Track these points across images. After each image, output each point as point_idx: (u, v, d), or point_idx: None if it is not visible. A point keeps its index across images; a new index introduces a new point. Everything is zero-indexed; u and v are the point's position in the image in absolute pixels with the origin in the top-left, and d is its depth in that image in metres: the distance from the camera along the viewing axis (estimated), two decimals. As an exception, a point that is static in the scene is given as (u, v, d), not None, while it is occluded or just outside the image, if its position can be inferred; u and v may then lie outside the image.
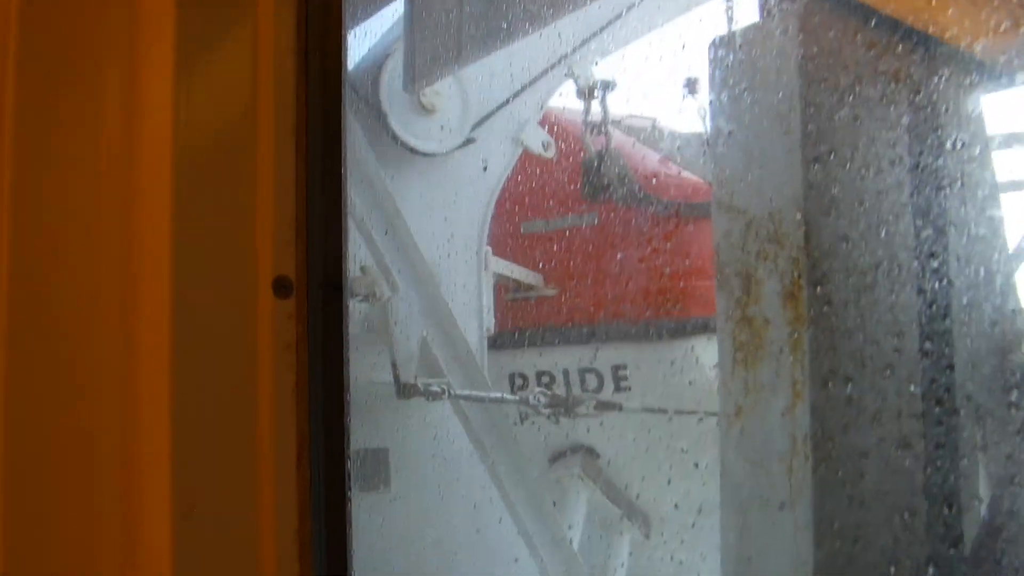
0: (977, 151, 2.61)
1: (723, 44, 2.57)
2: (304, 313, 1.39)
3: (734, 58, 2.56)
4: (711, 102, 2.64)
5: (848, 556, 2.11)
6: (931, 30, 2.58)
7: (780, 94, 2.46)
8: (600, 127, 5.53)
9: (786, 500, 2.18)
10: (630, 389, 5.14)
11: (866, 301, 2.18)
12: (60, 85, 1.41)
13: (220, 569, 1.37)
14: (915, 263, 2.22)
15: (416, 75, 4.64)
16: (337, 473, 1.39)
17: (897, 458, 2.09)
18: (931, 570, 2.08)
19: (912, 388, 2.14)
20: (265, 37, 1.41)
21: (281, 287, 1.38)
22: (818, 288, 2.21)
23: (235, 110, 1.44)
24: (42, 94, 1.40)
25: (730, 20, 4.57)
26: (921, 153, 2.40)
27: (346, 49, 1.45)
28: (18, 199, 1.37)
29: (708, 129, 5.55)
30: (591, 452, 5.21)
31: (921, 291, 2.19)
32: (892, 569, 2.07)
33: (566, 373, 5.29)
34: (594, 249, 5.41)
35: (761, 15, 2.64)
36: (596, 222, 5.45)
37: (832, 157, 2.41)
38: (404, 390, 4.37)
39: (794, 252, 2.29)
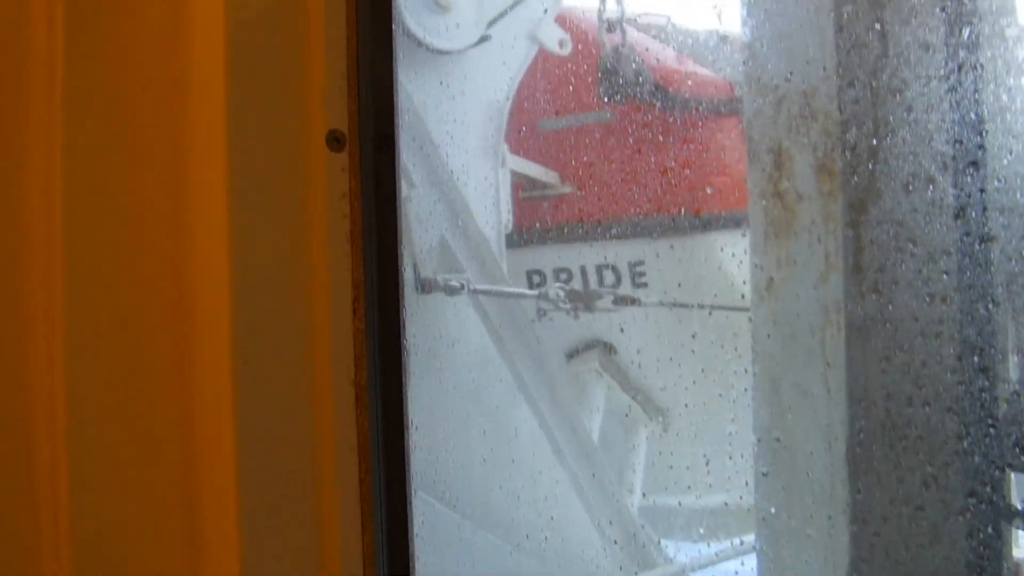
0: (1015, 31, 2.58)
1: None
2: (357, 164, 1.40)
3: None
4: (740, -21, 2.60)
5: (882, 427, 2.14)
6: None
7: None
8: (616, 24, 5.47)
9: (819, 372, 2.21)
10: (647, 285, 5.17)
11: (900, 171, 2.18)
12: None
13: (278, 413, 1.40)
14: (952, 133, 2.21)
15: (432, -29, 4.58)
16: (394, 320, 1.41)
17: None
18: (967, 439, 2.11)
19: (947, 256, 2.15)
20: None
21: (334, 140, 1.39)
22: (851, 156, 2.21)
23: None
24: None
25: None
26: (957, 26, 2.37)
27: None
28: (71, 63, 1.37)
29: (720, 24, 5.51)
30: (609, 347, 5.27)
31: (956, 161, 2.19)
32: (928, 437, 2.11)
33: (583, 270, 5.32)
34: (611, 146, 5.40)
35: None
36: (613, 119, 5.43)
37: (864, 29, 2.38)
38: (424, 285, 4.40)
39: (827, 125, 2.28)
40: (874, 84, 2.06)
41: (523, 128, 5.41)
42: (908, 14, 2.09)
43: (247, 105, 1.38)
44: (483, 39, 4.93)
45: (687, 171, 5.30)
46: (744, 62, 2.62)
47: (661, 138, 5.43)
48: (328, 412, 1.38)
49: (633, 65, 5.42)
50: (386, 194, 1.43)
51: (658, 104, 5.46)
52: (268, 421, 1.37)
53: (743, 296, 4.69)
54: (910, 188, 2.07)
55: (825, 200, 2.32)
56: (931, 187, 2.05)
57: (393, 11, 1.43)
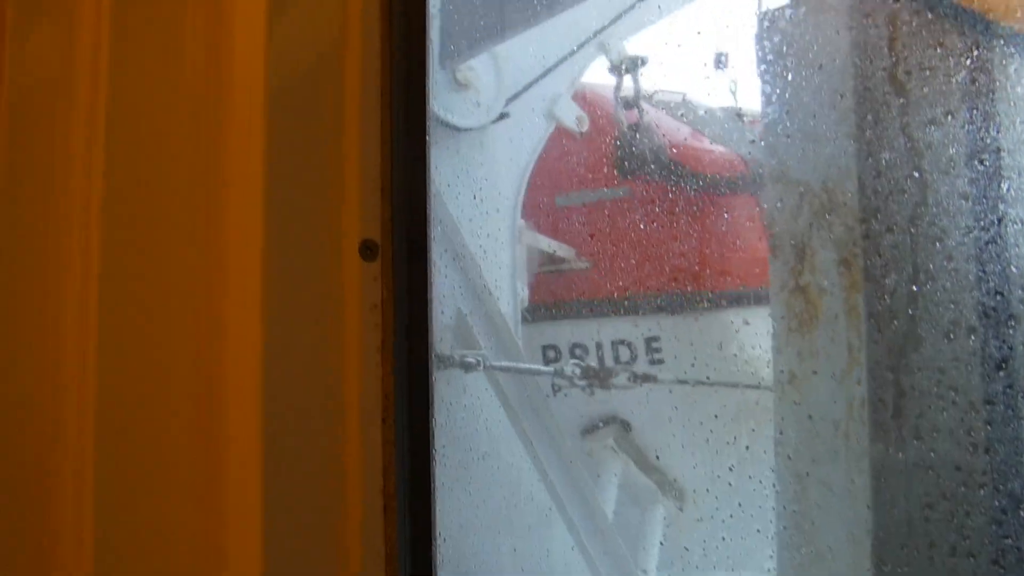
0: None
1: (774, 16, 2.57)
2: (390, 274, 1.41)
3: (785, 30, 2.56)
4: (761, 75, 2.64)
5: (908, 522, 2.13)
6: (986, 12, 2.58)
7: (832, 65, 2.47)
8: (632, 101, 5.53)
9: (842, 466, 2.20)
10: (663, 361, 5.16)
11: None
12: (148, 29, 1.44)
13: (306, 527, 1.40)
14: (972, 227, 2.22)
15: (452, 51, 4.67)
16: (422, 431, 1.42)
17: (957, 422, 2.10)
18: (994, 537, 2.09)
19: (972, 350, 2.15)
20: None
21: (367, 249, 1.41)
22: (875, 254, 2.22)
23: (320, 75, 1.46)
24: (131, 40, 1.43)
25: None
26: (975, 122, 2.40)
27: (429, 10, 1.46)
28: (110, 153, 1.40)
29: (736, 102, 5.56)
30: (624, 424, 5.24)
31: (979, 254, 2.20)
32: (954, 537, 2.09)
33: (599, 345, 5.32)
34: (627, 222, 5.42)
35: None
36: (629, 195, 5.46)
37: (884, 126, 2.41)
38: (440, 361, 4.40)
39: (849, 220, 2.30)
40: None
41: (540, 203, 5.45)
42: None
43: (282, 213, 1.40)
44: (502, 116, 4.99)
45: (702, 247, 5.32)
46: (767, 157, 2.65)
47: (676, 214, 5.46)
48: (356, 522, 1.38)
49: (649, 142, 5.47)
50: (418, 303, 1.44)
51: (673, 180, 5.50)
52: (296, 532, 1.36)
53: (757, 373, 4.69)
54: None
55: (847, 294, 2.33)
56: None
57: (428, 121, 1.46)
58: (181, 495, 1.38)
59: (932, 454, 2.07)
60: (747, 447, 4.14)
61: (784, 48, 2.53)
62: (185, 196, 1.40)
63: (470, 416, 4.51)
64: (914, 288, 2.13)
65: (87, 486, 1.34)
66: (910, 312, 2.14)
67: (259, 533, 1.32)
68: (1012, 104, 2.38)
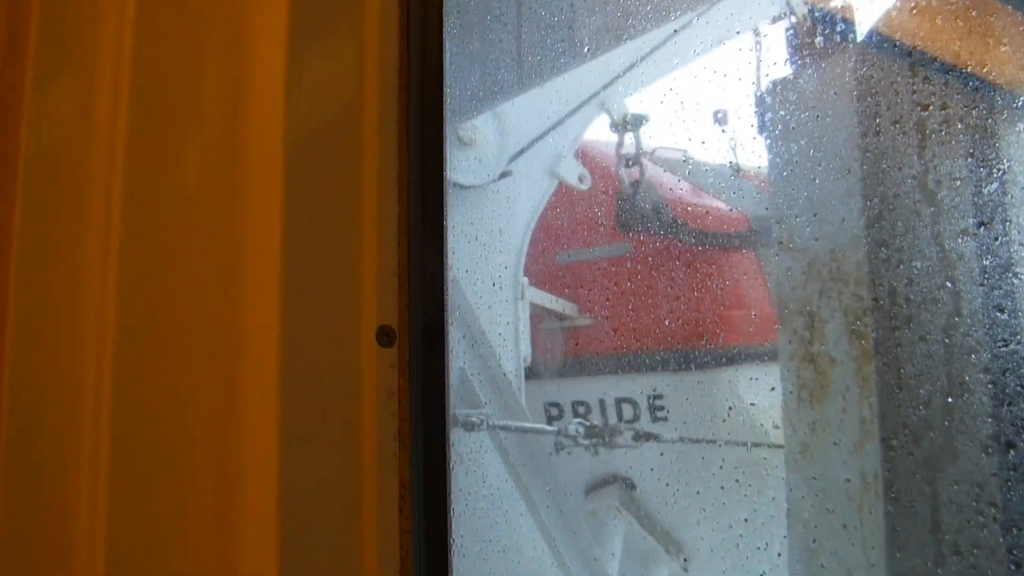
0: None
1: (780, 85, 2.59)
2: (406, 361, 1.40)
3: (791, 99, 2.58)
4: (768, 144, 2.66)
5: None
6: (985, 73, 2.61)
7: (838, 134, 2.48)
8: (633, 159, 5.57)
9: (857, 540, 2.18)
10: (667, 419, 5.14)
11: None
12: (169, 84, 1.44)
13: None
14: (982, 293, 2.22)
15: (454, 109, 4.70)
16: (440, 521, 1.40)
17: (974, 496, 2.08)
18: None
19: (987, 426, 2.14)
20: (371, 70, 1.43)
21: (384, 336, 1.40)
22: (886, 324, 2.22)
23: (337, 155, 1.46)
24: (152, 94, 1.43)
25: (758, 55, 4.64)
26: (981, 185, 2.41)
27: (446, 81, 1.46)
28: (127, 206, 1.39)
29: (736, 159, 5.60)
30: (628, 483, 5.20)
31: (990, 323, 2.19)
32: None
33: (602, 403, 5.30)
34: (629, 279, 5.43)
35: (790, 54, 2.68)
36: (631, 252, 5.48)
37: (892, 194, 2.42)
38: (444, 422, 4.37)
39: (858, 289, 2.30)
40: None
41: (542, 260, 5.45)
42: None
43: (299, 300, 1.39)
44: (504, 174, 5.01)
45: (705, 304, 5.32)
46: (772, 222, 2.66)
47: (679, 271, 5.47)
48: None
49: (650, 199, 5.50)
50: (435, 390, 1.43)
51: (675, 237, 5.52)
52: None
53: (764, 431, 4.67)
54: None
55: (859, 364, 2.32)
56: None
57: (445, 193, 1.45)
58: (196, 509, 1.37)
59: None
60: (755, 509, 4.10)
61: (788, 119, 2.55)
62: (201, 272, 1.39)
63: (489, 506, 4.48)
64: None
65: (101, 492, 1.33)
66: (945, 424, 2.13)
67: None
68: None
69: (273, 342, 1.35)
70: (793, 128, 2.52)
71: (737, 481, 4.41)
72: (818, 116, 2.50)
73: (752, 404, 4.82)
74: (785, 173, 2.58)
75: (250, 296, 1.37)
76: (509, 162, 4.99)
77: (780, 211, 2.58)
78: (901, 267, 2.39)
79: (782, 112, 2.54)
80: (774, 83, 2.57)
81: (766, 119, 2.62)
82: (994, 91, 2.59)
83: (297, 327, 1.37)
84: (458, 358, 4.52)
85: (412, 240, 1.43)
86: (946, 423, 2.11)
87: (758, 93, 3.30)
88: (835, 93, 2.50)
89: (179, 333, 1.37)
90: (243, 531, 1.33)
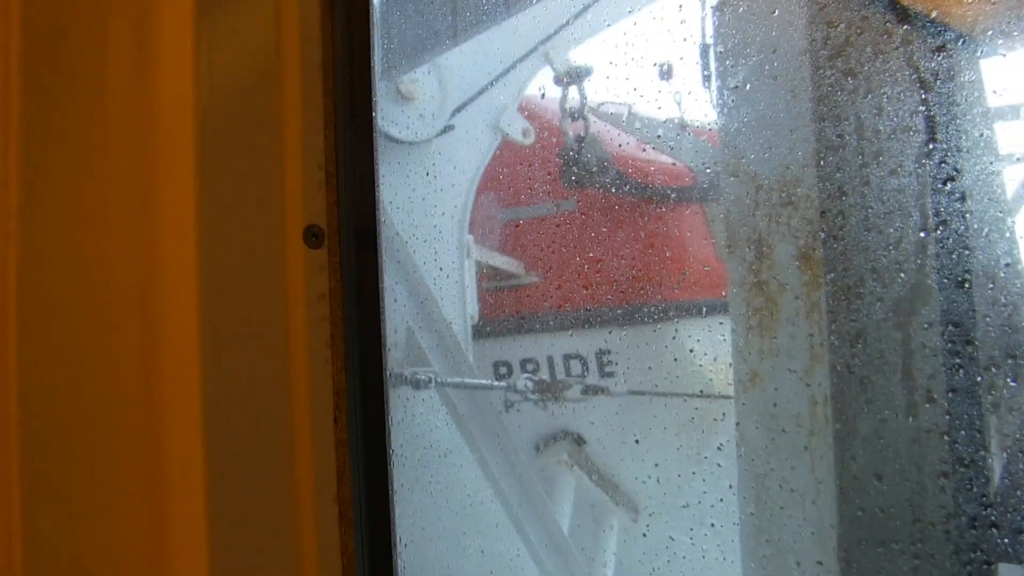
0: (979, 113, 2.59)
1: (727, 6, 2.53)
2: (337, 262, 1.32)
3: (739, 22, 2.52)
4: (717, 68, 2.60)
5: (871, 521, 2.08)
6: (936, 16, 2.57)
7: (788, 56, 2.43)
8: (577, 113, 5.50)
9: (806, 464, 2.14)
10: (615, 374, 5.11)
11: (883, 259, 2.14)
12: (68, 42, 1.34)
13: (255, 537, 1.30)
14: (930, 220, 2.19)
15: (393, 63, 4.60)
16: (377, 430, 1.32)
17: (920, 413, 2.05)
18: (956, 529, 2.05)
19: (934, 344, 2.10)
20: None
21: (312, 236, 1.32)
22: (834, 248, 2.18)
23: (259, 52, 1.37)
24: (49, 51, 1.33)
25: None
26: (930, 114, 2.37)
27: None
28: (30, 157, 1.29)
29: (681, 113, 5.56)
30: (577, 438, 5.17)
31: (938, 246, 2.16)
32: (918, 529, 2.04)
33: (550, 360, 5.25)
34: (574, 235, 5.38)
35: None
36: (576, 208, 5.42)
37: (843, 118, 2.38)
38: (392, 379, 4.30)
39: (808, 214, 2.25)
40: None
41: (487, 218, 5.38)
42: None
43: (217, 198, 1.30)
44: (446, 129, 4.92)
45: (652, 259, 5.29)
46: (721, 149, 2.60)
47: (624, 226, 5.43)
48: (310, 531, 1.28)
49: (595, 154, 5.44)
50: (369, 294, 1.34)
51: (621, 192, 5.47)
52: (245, 544, 1.26)
53: (712, 382, 4.65)
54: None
55: (808, 290, 2.27)
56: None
57: (373, 93, 1.37)
58: (119, 503, 1.27)
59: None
60: (705, 457, 4.09)
61: (736, 42, 2.49)
62: (114, 178, 1.30)
63: (428, 412, 4.41)
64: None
65: (13, 496, 1.23)
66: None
67: (204, 543, 1.22)
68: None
69: (190, 242, 1.26)
70: (739, 51, 2.47)
71: (688, 432, 4.40)
72: (766, 37, 2.45)
73: (703, 355, 4.80)
74: (733, 99, 2.52)
75: (162, 192, 1.28)
76: (452, 116, 4.91)
77: (729, 137, 2.53)
78: (851, 191, 2.35)
79: (733, 30, 2.48)
80: (720, 2, 2.51)
81: (715, 39, 2.56)
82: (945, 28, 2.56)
83: (216, 227, 1.28)
84: (404, 317, 4.44)
85: (339, 133, 1.34)
86: (899, 338, 2.08)
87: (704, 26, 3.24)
88: (781, 13, 2.45)
89: (92, 229, 1.28)
90: (170, 444, 1.25)
